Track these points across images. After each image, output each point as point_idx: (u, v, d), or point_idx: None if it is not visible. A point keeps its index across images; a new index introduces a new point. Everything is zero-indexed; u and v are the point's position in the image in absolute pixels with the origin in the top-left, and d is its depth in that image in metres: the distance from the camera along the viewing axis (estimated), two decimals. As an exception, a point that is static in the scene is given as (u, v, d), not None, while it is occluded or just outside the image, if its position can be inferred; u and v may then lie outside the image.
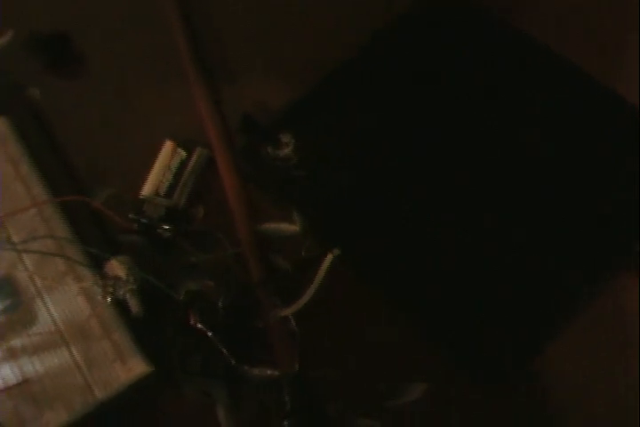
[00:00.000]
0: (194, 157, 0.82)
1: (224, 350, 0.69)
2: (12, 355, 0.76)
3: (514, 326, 0.75)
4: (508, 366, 0.74)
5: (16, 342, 0.76)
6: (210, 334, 0.69)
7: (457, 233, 0.78)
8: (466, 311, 0.75)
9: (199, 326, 0.70)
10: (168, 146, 0.82)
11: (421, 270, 0.76)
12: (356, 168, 0.82)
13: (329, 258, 0.73)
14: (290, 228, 0.79)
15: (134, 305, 0.74)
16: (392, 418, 0.72)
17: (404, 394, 0.72)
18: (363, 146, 0.83)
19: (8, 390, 0.75)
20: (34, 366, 0.75)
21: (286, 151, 0.77)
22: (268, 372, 0.71)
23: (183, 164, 0.81)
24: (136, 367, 0.73)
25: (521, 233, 0.77)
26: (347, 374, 0.73)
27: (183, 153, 0.81)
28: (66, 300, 0.76)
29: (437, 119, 0.82)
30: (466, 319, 0.75)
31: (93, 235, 0.78)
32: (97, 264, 0.76)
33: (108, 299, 0.74)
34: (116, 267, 0.75)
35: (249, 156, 0.79)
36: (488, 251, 0.76)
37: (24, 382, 0.75)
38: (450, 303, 0.75)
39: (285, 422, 0.70)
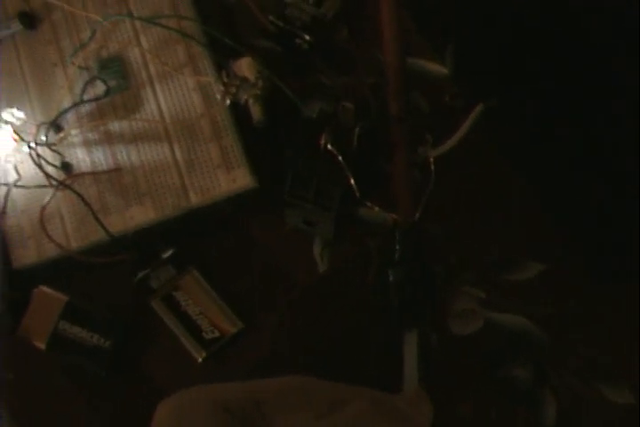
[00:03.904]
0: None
1: (351, 179, 0.62)
2: (108, 139, 0.69)
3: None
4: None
5: (114, 125, 0.69)
6: (340, 158, 0.62)
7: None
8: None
9: (329, 147, 0.62)
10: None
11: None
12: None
13: (480, 107, 0.65)
14: (439, 69, 0.70)
15: (257, 112, 0.66)
16: (498, 292, 0.65)
17: (517, 270, 0.66)
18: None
19: (95, 174, 0.68)
20: (129, 156, 0.68)
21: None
22: (388, 215, 0.64)
23: (341, -28, 0.71)
24: (241, 179, 0.66)
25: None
26: (464, 238, 0.66)
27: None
28: (179, 93, 0.69)
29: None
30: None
31: (225, 33, 0.69)
32: (223, 61, 0.67)
33: (228, 101, 0.67)
34: (246, 66, 0.66)
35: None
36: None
37: (115, 170, 0.68)
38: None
39: (390, 272, 0.63)
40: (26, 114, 0.70)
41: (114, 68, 0.70)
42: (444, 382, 0.65)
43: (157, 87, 0.69)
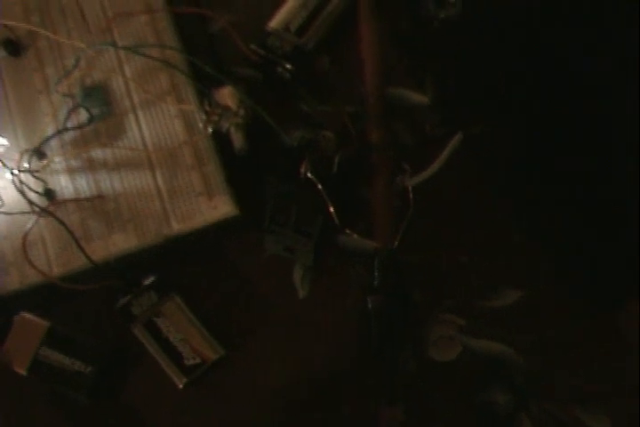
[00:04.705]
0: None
1: (330, 207, 0.62)
2: (91, 166, 0.70)
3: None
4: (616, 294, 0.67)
5: (97, 153, 0.70)
6: (320, 186, 0.63)
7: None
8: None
9: (309, 175, 0.63)
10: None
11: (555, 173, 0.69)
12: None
13: (458, 136, 0.66)
14: (419, 98, 0.71)
15: (238, 140, 0.67)
16: (477, 319, 0.66)
17: (496, 297, 0.66)
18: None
19: (78, 201, 0.69)
20: (111, 183, 0.69)
21: (451, 13, 0.68)
22: (367, 242, 0.64)
23: (323, 2, 0.72)
24: (222, 206, 0.67)
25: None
26: (443, 265, 0.67)
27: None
28: (161, 120, 0.69)
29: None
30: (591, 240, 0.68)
31: (207, 61, 0.70)
32: (206, 90, 0.68)
33: (210, 129, 0.67)
34: (228, 95, 0.67)
35: (408, 5, 0.70)
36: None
37: (97, 197, 0.69)
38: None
39: (369, 299, 0.64)
40: (9, 140, 0.71)
41: (97, 96, 0.70)
42: (423, 407, 0.65)
43: (140, 115, 0.70)
